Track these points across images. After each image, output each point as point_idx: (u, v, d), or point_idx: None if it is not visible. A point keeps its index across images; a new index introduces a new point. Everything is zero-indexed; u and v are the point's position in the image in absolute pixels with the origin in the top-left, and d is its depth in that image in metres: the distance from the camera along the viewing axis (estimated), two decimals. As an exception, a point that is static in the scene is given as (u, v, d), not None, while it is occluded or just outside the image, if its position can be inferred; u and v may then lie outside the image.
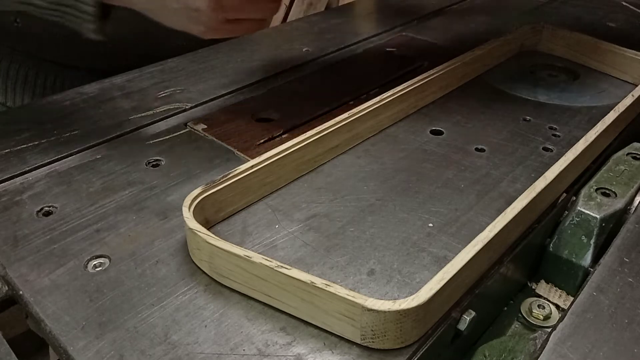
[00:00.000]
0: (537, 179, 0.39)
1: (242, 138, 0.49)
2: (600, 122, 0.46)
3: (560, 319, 0.33)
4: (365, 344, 0.30)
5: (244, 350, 0.30)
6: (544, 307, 0.39)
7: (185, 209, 0.36)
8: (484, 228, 0.34)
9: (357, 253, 0.37)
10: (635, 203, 0.42)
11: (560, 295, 0.40)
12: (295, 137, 0.44)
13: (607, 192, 0.42)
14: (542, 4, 0.85)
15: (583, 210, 0.40)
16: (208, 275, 0.35)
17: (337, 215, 0.40)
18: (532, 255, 0.41)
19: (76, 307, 0.33)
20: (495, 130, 0.51)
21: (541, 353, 0.31)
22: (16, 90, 0.68)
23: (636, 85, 0.54)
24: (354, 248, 0.37)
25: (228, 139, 0.49)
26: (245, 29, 0.51)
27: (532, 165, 0.46)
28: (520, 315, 0.39)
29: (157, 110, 0.53)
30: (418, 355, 0.31)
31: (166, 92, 0.57)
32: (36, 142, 0.48)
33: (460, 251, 0.33)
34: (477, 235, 0.34)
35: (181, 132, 0.50)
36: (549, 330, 0.34)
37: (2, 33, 0.66)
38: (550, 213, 0.41)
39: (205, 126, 0.51)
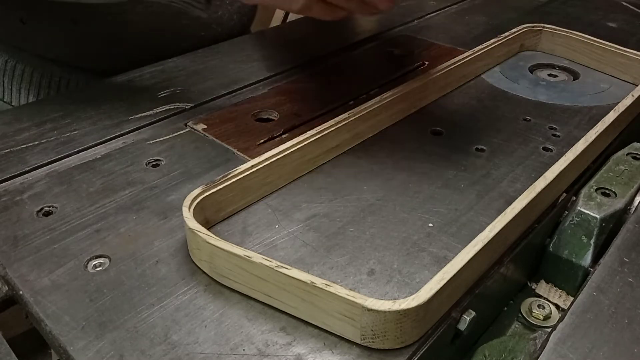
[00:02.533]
0: (537, 179, 0.39)
1: (242, 138, 0.49)
2: (600, 122, 0.46)
3: (560, 319, 0.33)
4: (365, 344, 0.30)
5: (244, 350, 0.30)
6: (544, 307, 0.39)
7: (185, 209, 0.36)
8: (484, 228, 0.34)
9: (357, 253, 0.37)
10: (635, 203, 0.42)
11: (560, 295, 0.41)
12: (295, 137, 0.44)
13: (607, 192, 0.42)
14: (542, 4, 0.85)
15: (583, 210, 0.40)
16: (208, 275, 0.35)
17: (337, 215, 0.40)
18: (532, 255, 0.41)
19: (76, 307, 0.33)
20: (495, 130, 0.51)
21: (541, 353, 0.31)
22: (21, 91, 0.68)
23: (636, 85, 0.54)
24: (354, 248, 0.37)
25: (228, 139, 0.49)
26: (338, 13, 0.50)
27: (532, 165, 0.46)
28: (520, 315, 0.39)
29: (157, 110, 0.53)
30: (418, 355, 0.31)
31: (166, 92, 0.57)
32: (36, 142, 0.48)
33: (460, 251, 0.33)
34: (477, 235, 0.34)
35: (181, 132, 0.50)
36: (549, 330, 0.34)
37: (9, 33, 0.66)
38: (550, 213, 0.41)
39: (205, 126, 0.51)
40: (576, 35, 0.65)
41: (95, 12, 0.56)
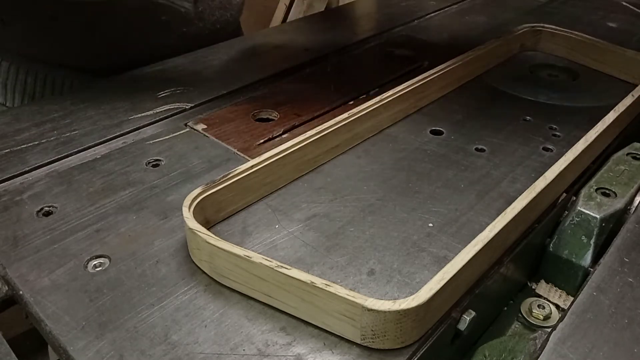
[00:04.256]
0: (537, 179, 0.39)
1: (242, 138, 0.49)
2: (600, 122, 0.46)
3: (560, 319, 0.33)
4: (365, 344, 0.30)
5: (244, 350, 0.30)
6: (544, 307, 0.39)
7: (185, 209, 0.36)
8: (484, 228, 0.34)
9: (357, 253, 0.37)
10: (635, 203, 0.42)
11: (560, 295, 0.41)
12: (295, 137, 0.44)
13: (607, 192, 0.42)
14: (542, 4, 0.85)
15: (583, 210, 0.40)
16: (208, 275, 0.35)
17: (337, 215, 0.40)
18: (532, 255, 0.41)
19: (76, 307, 0.33)
20: (495, 130, 0.51)
21: (541, 353, 0.31)
22: (16, 90, 0.68)
23: (636, 85, 0.54)
24: (354, 248, 0.37)
25: (228, 139, 0.49)
26: None
27: (532, 165, 0.46)
28: (520, 315, 0.39)
29: (157, 110, 0.53)
30: (418, 355, 0.31)
31: (166, 92, 0.57)
32: (36, 142, 0.48)
33: (460, 251, 0.33)
34: (477, 235, 0.34)
35: (181, 132, 0.50)
36: (549, 330, 0.34)
37: None
38: (550, 213, 0.41)
39: (205, 126, 0.51)
40: (576, 35, 0.65)
41: (74, 7, 0.56)
